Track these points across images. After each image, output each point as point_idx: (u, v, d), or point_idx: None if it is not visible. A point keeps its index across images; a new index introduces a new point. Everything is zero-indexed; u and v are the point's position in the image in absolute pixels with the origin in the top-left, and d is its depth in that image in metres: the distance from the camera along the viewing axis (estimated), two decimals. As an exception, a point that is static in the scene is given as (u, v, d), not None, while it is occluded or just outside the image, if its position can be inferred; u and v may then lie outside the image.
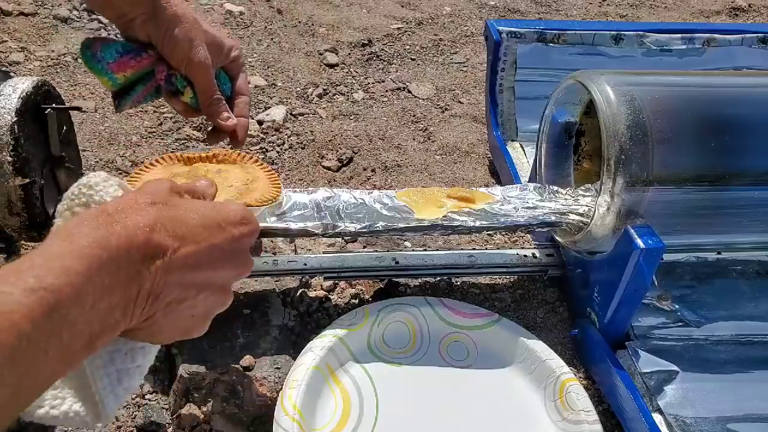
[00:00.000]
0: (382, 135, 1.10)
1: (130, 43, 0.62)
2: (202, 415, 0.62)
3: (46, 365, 0.32)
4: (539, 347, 0.68)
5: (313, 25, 1.45)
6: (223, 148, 0.72)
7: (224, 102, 0.66)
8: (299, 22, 1.45)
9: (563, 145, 0.80)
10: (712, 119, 0.68)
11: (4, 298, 0.30)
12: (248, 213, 0.46)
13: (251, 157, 0.67)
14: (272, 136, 1.07)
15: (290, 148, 1.05)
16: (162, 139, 1.02)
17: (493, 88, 0.99)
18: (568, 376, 0.65)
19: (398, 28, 1.46)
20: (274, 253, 0.79)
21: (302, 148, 1.05)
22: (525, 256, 0.78)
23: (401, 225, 0.66)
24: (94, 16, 1.33)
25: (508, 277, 0.80)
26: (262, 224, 0.65)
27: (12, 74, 0.62)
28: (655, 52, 1.01)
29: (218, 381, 0.63)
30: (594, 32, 0.99)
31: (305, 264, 0.73)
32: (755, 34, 1.03)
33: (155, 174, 0.63)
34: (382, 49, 1.37)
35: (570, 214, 0.69)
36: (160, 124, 1.06)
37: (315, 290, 0.75)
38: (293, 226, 0.65)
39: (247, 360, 0.64)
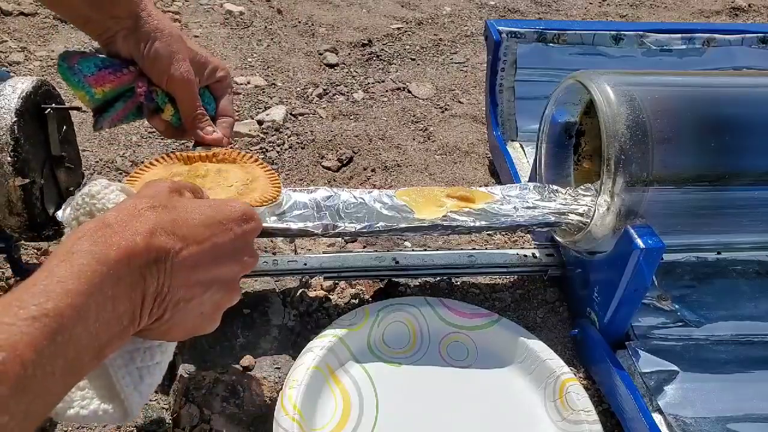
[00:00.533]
0: (382, 135, 1.10)
1: (112, 59, 0.61)
2: (203, 415, 0.61)
3: (54, 385, 0.33)
4: (539, 347, 0.68)
5: (313, 25, 1.45)
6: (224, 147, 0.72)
7: (208, 117, 0.65)
8: (299, 22, 1.45)
9: (563, 145, 0.80)
10: (712, 119, 0.68)
11: (6, 329, 0.30)
12: (250, 209, 0.47)
13: (251, 157, 0.67)
14: (272, 136, 1.07)
15: (290, 148, 1.05)
16: (162, 139, 1.02)
17: (493, 88, 0.99)
18: (568, 376, 0.65)
19: (398, 28, 1.46)
20: (274, 253, 0.79)
21: (302, 148, 1.05)
22: (525, 256, 0.79)
23: (401, 225, 0.66)
24: (94, 16, 1.33)
25: (508, 277, 0.80)
26: (262, 224, 0.65)
27: (12, 74, 0.62)
28: (655, 52, 1.01)
29: (218, 381, 0.63)
30: (594, 32, 0.99)
31: (305, 264, 0.73)
32: (755, 34, 1.03)
33: (155, 173, 0.63)
34: (382, 49, 1.37)
35: (570, 214, 0.69)
36: (160, 124, 1.05)
37: (315, 290, 0.75)
38: (293, 226, 0.65)
39: (247, 360, 0.64)
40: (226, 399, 0.62)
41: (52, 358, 0.32)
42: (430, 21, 1.52)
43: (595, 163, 0.79)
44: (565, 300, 0.78)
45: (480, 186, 0.83)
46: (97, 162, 0.95)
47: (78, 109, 0.66)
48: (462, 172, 1.04)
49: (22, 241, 0.71)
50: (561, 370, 0.66)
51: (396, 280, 0.77)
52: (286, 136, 1.07)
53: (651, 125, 0.64)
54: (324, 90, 1.21)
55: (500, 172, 0.99)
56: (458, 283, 0.79)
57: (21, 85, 0.58)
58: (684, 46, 1.02)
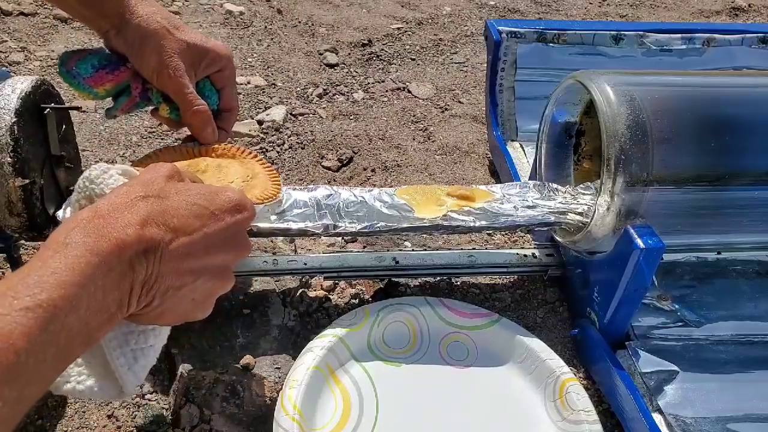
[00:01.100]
0: (382, 135, 1.10)
1: (110, 54, 0.60)
2: (202, 415, 0.61)
3: (46, 370, 0.34)
4: (539, 347, 0.68)
5: (313, 25, 1.45)
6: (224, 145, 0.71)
7: (207, 113, 0.63)
8: (299, 22, 1.45)
9: (563, 145, 0.80)
10: (712, 119, 0.68)
11: (0, 319, 0.32)
12: (243, 199, 0.47)
13: (250, 153, 0.67)
14: (272, 136, 1.07)
15: (290, 148, 1.05)
16: (162, 139, 1.02)
17: (493, 88, 0.99)
18: (568, 376, 0.65)
19: (398, 28, 1.46)
20: (274, 253, 0.79)
21: (302, 148, 1.05)
22: (525, 256, 0.78)
23: (401, 225, 0.66)
24: (94, 16, 1.33)
25: (508, 277, 0.80)
26: (262, 224, 0.65)
27: (11, 74, 0.62)
28: (655, 52, 1.01)
29: (218, 381, 0.63)
30: (594, 32, 0.99)
31: (305, 264, 0.73)
32: (755, 34, 1.03)
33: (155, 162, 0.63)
34: (382, 49, 1.37)
35: (570, 214, 0.69)
36: (160, 124, 1.05)
37: (315, 290, 0.75)
38: (293, 225, 0.65)
39: (247, 360, 0.64)
40: (226, 399, 0.62)
41: (44, 347, 0.33)
42: (430, 21, 1.52)
43: (595, 163, 0.79)
44: (565, 300, 0.78)
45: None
46: (97, 162, 0.95)
47: (77, 108, 0.66)
48: (462, 172, 1.04)
49: (22, 241, 0.71)
50: (561, 370, 0.66)
51: (396, 280, 0.77)
52: (286, 136, 1.07)
53: (651, 125, 0.64)
54: (324, 90, 1.21)
55: (500, 172, 0.99)
56: (458, 283, 0.79)
57: (20, 85, 0.58)
58: (684, 46, 1.02)
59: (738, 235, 0.74)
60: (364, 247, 0.85)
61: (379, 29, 1.45)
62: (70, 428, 0.60)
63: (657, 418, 0.62)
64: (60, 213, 0.63)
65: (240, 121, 1.09)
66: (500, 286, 0.79)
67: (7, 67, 1.13)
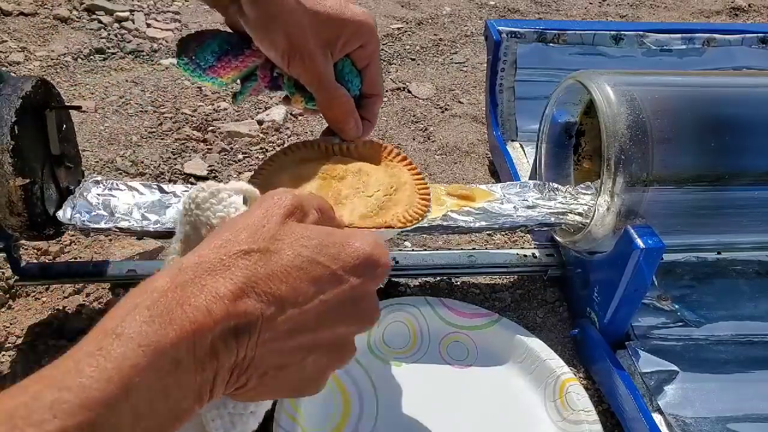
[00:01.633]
0: (382, 135, 1.10)
1: (232, 34, 0.52)
2: (202, 415, 0.61)
3: None
4: (539, 347, 0.68)
5: (313, 25, 1.45)
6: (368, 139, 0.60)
7: (349, 105, 0.53)
8: (299, 22, 1.45)
9: (563, 145, 0.80)
10: (712, 119, 0.68)
11: None
12: (377, 252, 0.36)
13: (398, 154, 0.57)
14: (272, 136, 1.07)
15: (290, 148, 1.05)
16: (162, 139, 1.02)
17: (493, 88, 0.99)
18: (568, 376, 0.65)
19: (398, 28, 1.46)
20: (274, 253, 0.79)
21: (302, 148, 1.05)
22: (525, 256, 0.78)
23: (401, 225, 0.66)
24: (94, 16, 1.33)
25: (508, 277, 0.80)
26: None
27: (11, 74, 0.62)
28: (655, 52, 1.01)
29: (218, 381, 0.63)
30: (594, 32, 0.99)
31: (305, 264, 0.73)
32: (755, 34, 1.03)
33: (287, 164, 0.55)
34: (382, 49, 1.37)
35: (570, 214, 0.69)
36: (160, 124, 1.05)
37: (315, 290, 0.75)
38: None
39: (247, 360, 0.64)
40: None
41: None
42: (430, 21, 1.52)
43: (595, 163, 0.79)
44: (565, 300, 0.78)
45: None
46: (97, 162, 0.95)
47: (78, 108, 0.66)
48: (462, 172, 1.04)
49: (22, 241, 0.71)
50: (561, 370, 0.66)
51: (396, 280, 0.77)
52: (286, 136, 1.07)
53: (651, 125, 0.64)
54: (324, 90, 1.21)
55: (500, 172, 0.99)
56: (458, 283, 0.79)
57: (21, 85, 0.58)
58: (684, 46, 1.02)
59: (738, 235, 0.74)
60: (364, 247, 0.85)
61: (378, 29, 1.45)
62: (70, 428, 0.60)
63: (657, 418, 0.62)
64: (60, 213, 0.63)
65: (240, 121, 1.09)
66: (500, 286, 0.79)
67: (7, 67, 1.13)
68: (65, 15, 1.30)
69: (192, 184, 0.87)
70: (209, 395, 0.31)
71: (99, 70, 1.18)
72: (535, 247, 0.81)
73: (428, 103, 1.21)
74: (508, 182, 0.75)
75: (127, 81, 1.15)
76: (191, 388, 0.30)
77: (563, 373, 0.65)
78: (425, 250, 0.83)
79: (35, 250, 0.77)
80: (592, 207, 0.68)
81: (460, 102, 1.23)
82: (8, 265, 0.70)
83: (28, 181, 0.57)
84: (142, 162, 0.96)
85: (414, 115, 1.17)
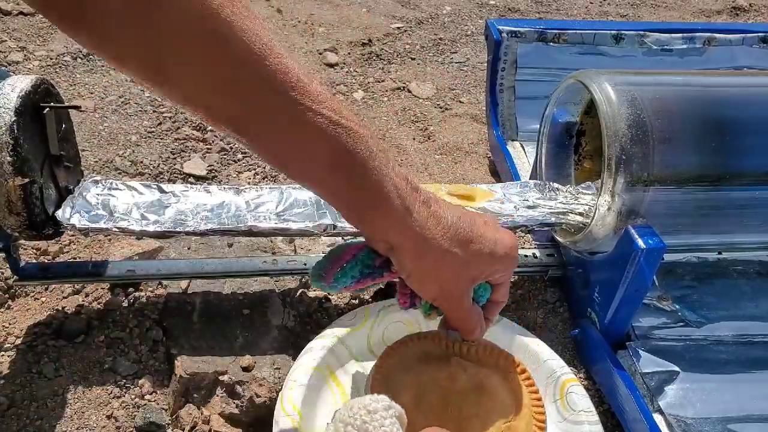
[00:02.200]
0: (382, 135, 1.10)
1: (370, 256, 0.50)
2: (202, 416, 0.61)
3: None
4: (539, 348, 0.68)
5: (312, 24, 1.45)
6: (488, 342, 0.61)
7: (480, 317, 0.54)
8: (299, 21, 1.45)
9: (564, 145, 0.80)
10: (712, 119, 0.68)
11: None
12: None
13: (518, 366, 0.58)
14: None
15: (290, 147, 1.05)
16: (161, 139, 1.02)
17: (494, 87, 0.99)
18: (569, 376, 0.65)
19: (398, 28, 1.46)
20: (274, 253, 0.79)
21: (302, 148, 1.05)
22: (525, 256, 0.78)
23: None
24: (93, 16, 1.33)
25: (508, 277, 0.80)
26: (262, 224, 0.65)
27: (11, 73, 0.61)
28: (655, 52, 1.01)
29: (218, 381, 0.63)
30: (594, 32, 0.99)
31: (305, 264, 0.73)
32: (756, 34, 1.03)
33: (406, 361, 0.58)
34: (382, 49, 1.37)
35: (570, 214, 0.69)
36: (159, 123, 1.05)
37: (315, 290, 0.75)
38: (293, 226, 0.65)
39: (247, 360, 0.64)
40: (226, 399, 0.62)
41: None
42: (430, 20, 1.52)
43: (595, 162, 0.79)
44: (565, 300, 0.78)
45: (480, 186, 0.83)
46: (96, 162, 0.94)
47: (77, 108, 0.66)
48: (462, 171, 1.03)
49: (22, 241, 0.71)
50: (562, 370, 0.66)
51: (396, 280, 0.77)
52: (286, 136, 1.07)
53: (652, 125, 0.64)
54: (324, 89, 1.21)
55: (501, 171, 0.99)
56: (458, 283, 0.79)
57: (20, 84, 0.58)
58: (685, 46, 1.02)
59: (739, 235, 0.74)
60: (364, 247, 0.85)
61: (379, 28, 1.45)
62: (70, 428, 0.60)
63: (658, 418, 0.62)
64: (60, 213, 0.63)
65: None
66: (500, 286, 0.79)
67: (6, 67, 1.12)
68: (65, 14, 1.30)
69: (191, 184, 0.86)
70: None
71: (98, 69, 1.18)
72: (535, 247, 0.81)
73: (428, 103, 1.21)
74: (508, 182, 0.75)
75: (126, 81, 1.15)
76: None
77: (564, 374, 0.65)
78: (425, 250, 0.83)
79: (34, 250, 0.77)
80: (592, 207, 0.67)
81: (460, 102, 1.23)
82: (7, 265, 0.69)
83: (27, 180, 0.57)
84: (142, 162, 0.96)
85: (414, 115, 1.17)
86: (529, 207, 0.70)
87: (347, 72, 1.28)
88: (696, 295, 0.75)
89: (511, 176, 0.91)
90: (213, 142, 1.03)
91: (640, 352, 0.68)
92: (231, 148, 1.02)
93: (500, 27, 0.96)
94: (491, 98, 0.99)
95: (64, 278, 0.70)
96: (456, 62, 1.36)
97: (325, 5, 1.54)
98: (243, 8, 0.36)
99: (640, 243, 0.62)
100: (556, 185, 0.73)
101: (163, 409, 0.63)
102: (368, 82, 1.25)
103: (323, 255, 0.52)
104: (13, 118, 0.56)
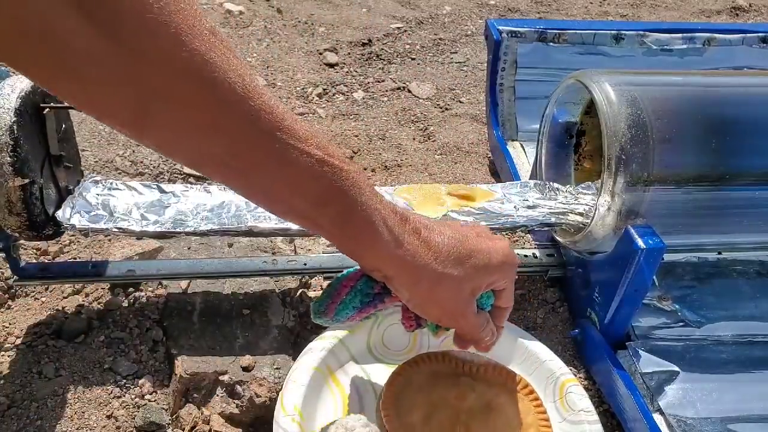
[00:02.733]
0: (382, 135, 1.10)
1: (369, 284, 0.51)
2: (202, 415, 0.61)
3: None
4: (539, 348, 0.68)
5: (312, 24, 1.45)
6: (495, 362, 0.63)
7: (486, 324, 0.53)
8: (299, 21, 1.45)
9: (564, 145, 0.80)
10: (713, 119, 0.68)
11: None
12: None
13: (526, 386, 0.61)
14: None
15: (290, 147, 1.05)
16: (162, 138, 1.02)
17: (494, 87, 0.99)
18: (568, 376, 0.65)
19: (398, 28, 1.46)
20: (274, 253, 0.79)
21: (302, 148, 1.05)
22: (525, 256, 0.78)
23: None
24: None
25: (508, 277, 0.80)
26: (262, 224, 0.65)
27: (11, 73, 0.61)
28: (655, 52, 1.01)
29: (218, 381, 0.63)
30: (594, 32, 0.99)
31: (305, 264, 0.73)
32: (756, 34, 1.03)
33: (416, 380, 0.60)
34: (382, 49, 1.37)
35: (570, 214, 0.69)
36: (160, 123, 1.05)
37: (315, 290, 0.75)
38: (293, 226, 0.65)
39: (247, 360, 0.64)
40: (226, 399, 0.62)
41: None
42: (430, 20, 1.52)
43: (595, 162, 0.79)
44: (565, 300, 0.78)
45: (480, 186, 0.83)
46: (96, 162, 0.94)
47: (77, 108, 0.66)
48: (462, 171, 1.03)
49: (22, 241, 0.71)
50: (561, 371, 0.66)
51: (396, 280, 0.77)
52: (286, 136, 1.07)
53: (652, 125, 0.64)
54: (324, 90, 1.21)
55: (501, 171, 0.99)
56: (458, 283, 0.79)
57: (20, 84, 0.58)
58: (685, 46, 1.02)
59: (739, 235, 0.74)
60: (364, 247, 0.85)
61: (379, 29, 1.45)
62: (70, 428, 0.60)
63: (658, 418, 0.62)
64: (60, 213, 0.63)
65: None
66: (500, 286, 0.79)
67: (6, 67, 1.12)
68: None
69: (191, 184, 0.86)
70: None
71: (98, 69, 1.18)
72: (535, 247, 0.81)
73: (428, 103, 1.21)
74: (508, 182, 0.75)
75: (126, 80, 1.15)
76: None
77: (563, 374, 0.65)
78: (425, 250, 0.83)
79: (34, 250, 0.77)
80: (592, 207, 0.67)
81: (460, 102, 1.23)
82: (7, 265, 0.69)
83: (27, 181, 0.57)
84: (142, 162, 0.96)
85: (414, 115, 1.17)
86: (529, 207, 0.70)
87: (347, 72, 1.28)
88: (696, 295, 0.75)
89: (511, 176, 0.91)
90: (213, 142, 1.03)
91: (640, 352, 0.68)
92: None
93: (500, 27, 0.96)
94: (491, 98, 0.99)
95: (64, 278, 0.70)
96: (456, 62, 1.36)
97: (325, 5, 1.54)
98: (226, 50, 0.36)
99: (640, 243, 0.62)
100: (556, 185, 0.73)
101: (163, 409, 0.63)
102: (368, 82, 1.25)
103: (322, 290, 0.52)
104: (13, 119, 0.56)
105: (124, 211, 0.64)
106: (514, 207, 0.69)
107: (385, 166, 1.03)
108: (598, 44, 1.00)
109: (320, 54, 1.33)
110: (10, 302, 0.71)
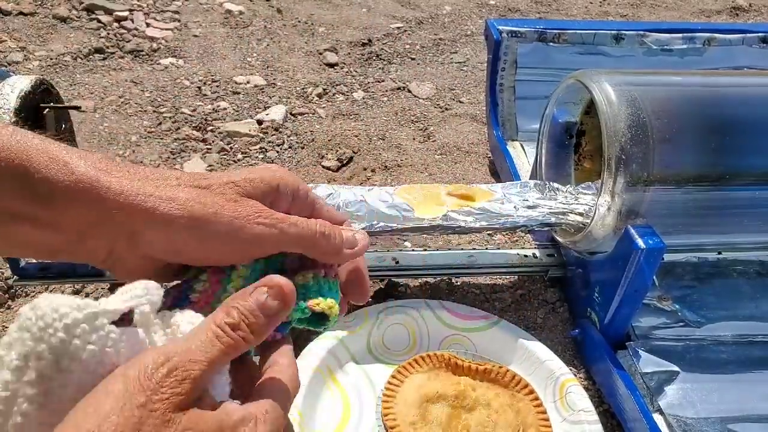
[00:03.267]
0: (382, 135, 1.10)
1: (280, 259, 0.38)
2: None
3: None
4: (539, 349, 0.68)
5: (312, 24, 1.45)
6: (495, 362, 0.65)
7: (329, 230, 0.38)
8: (299, 21, 1.45)
9: (564, 145, 0.80)
10: (712, 119, 0.68)
11: None
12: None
13: (526, 386, 0.62)
14: (272, 135, 1.07)
15: (290, 147, 1.05)
16: (161, 138, 1.02)
17: (494, 87, 0.99)
18: (568, 376, 0.65)
19: (398, 28, 1.46)
20: (274, 253, 0.79)
21: (302, 148, 1.05)
22: (525, 256, 0.78)
23: (401, 225, 0.66)
24: (93, 16, 1.33)
25: (508, 277, 0.80)
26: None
27: (11, 73, 0.61)
28: (655, 52, 1.01)
29: (218, 381, 0.62)
30: (594, 32, 0.99)
31: (305, 264, 0.73)
32: (756, 34, 1.03)
33: (418, 380, 0.61)
34: (382, 49, 1.37)
35: (570, 214, 0.69)
36: (159, 123, 1.05)
37: (315, 290, 0.75)
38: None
39: (246, 360, 0.64)
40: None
41: None
42: (430, 20, 1.52)
43: (595, 162, 0.78)
44: (565, 300, 0.78)
45: (480, 186, 0.83)
46: (97, 162, 0.94)
47: (77, 108, 0.66)
48: (462, 172, 1.03)
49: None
50: (561, 371, 0.66)
51: (396, 280, 0.77)
52: (285, 136, 1.07)
53: (652, 125, 0.64)
54: (324, 89, 1.21)
55: (501, 171, 0.99)
56: (458, 283, 0.79)
57: (20, 84, 0.58)
58: (685, 46, 1.02)
59: (739, 235, 0.74)
60: (364, 247, 0.85)
61: (379, 29, 1.45)
62: (69, 429, 0.60)
63: (658, 418, 0.62)
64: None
65: (239, 120, 1.09)
66: (500, 287, 0.79)
67: (6, 67, 1.12)
68: (64, 14, 1.30)
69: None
70: None
71: (98, 69, 1.18)
72: (535, 247, 0.81)
73: (428, 103, 1.21)
74: (508, 182, 0.75)
75: (126, 81, 1.15)
76: None
77: (563, 374, 0.65)
78: (425, 250, 0.83)
79: (34, 250, 0.77)
80: (592, 207, 0.67)
81: (460, 102, 1.23)
82: (7, 265, 0.69)
83: (26, 181, 0.57)
84: (142, 162, 0.96)
85: (414, 115, 1.17)
86: (529, 207, 0.70)
87: (347, 72, 1.28)
88: (696, 295, 0.75)
89: (511, 176, 0.91)
90: (213, 142, 1.03)
91: (640, 352, 0.67)
92: (231, 147, 1.02)
93: (500, 27, 0.96)
94: (491, 98, 0.99)
95: (64, 278, 0.70)
96: (456, 62, 1.36)
97: (325, 5, 1.54)
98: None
99: (640, 243, 0.62)
100: (556, 185, 0.73)
101: (163, 409, 0.63)
102: (368, 82, 1.25)
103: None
104: (13, 119, 0.55)
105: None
106: (514, 207, 0.69)
107: (385, 166, 1.02)
108: (598, 44, 0.99)
109: (320, 54, 1.33)
110: (10, 302, 0.71)
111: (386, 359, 0.67)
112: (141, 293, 0.30)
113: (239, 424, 0.28)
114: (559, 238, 0.75)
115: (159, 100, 1.11)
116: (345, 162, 1.03)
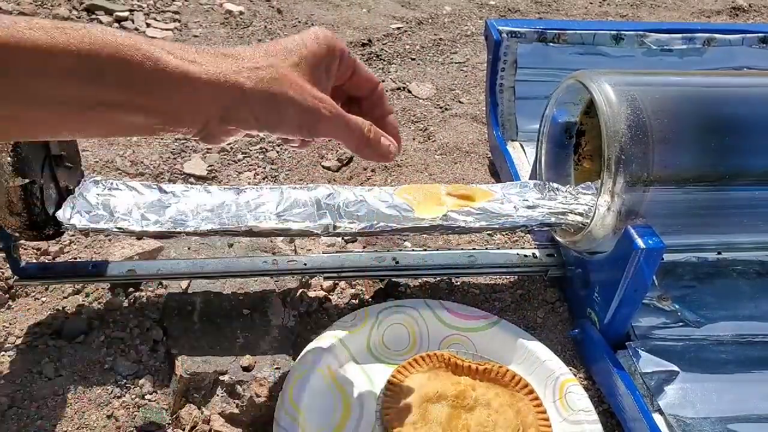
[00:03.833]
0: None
1: None
2: (202, 415, 0.61)
3: None
4: (538, 348, 0.68)
5: (312, 24, 1.45)
6: (495, 362, 0.65)
7: (372, 128, 0.49)
8: (299, 21, 1.45)
9: (563, 145, 0.80)
10: (712, 119, 0.68)
11: None
12: None
13: (526, 385, 0.62)
14: (272, 135, 1.07)
15: (290, 147, 1.05)
16: (162, 139, 1.02)
17: (494, 87, 0.99)
18: (568, 376, 0.65)
19: (398, 28, 1.46)
20: (274, 253, 0.79)
21: (302, 148, 1.05)
22: (525, 256, 0.78)
23: (401, 225, 0.66)
24: (93, 16, 1.33)
25: (508, 277, 0.80)
26: (263, 224, 0.65)
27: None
28: (655, 52, 1.01)
29: (218, 381, 0.63)
30: (594, 32, 0.99)
31: (305, 264, 0.73)
32: (756, 34, 1.03)
33: (417, 380, 0.61)
34: (382, 49, 1.37)
35: (570, 214, 0.69)
36: (160, 123, 1.05)
37: (315, 290, 0.75)
38: (293, 226, 0.65)
39: (247, 360, 0.64)
40: (226, 399, 0.62)
41: None
42: (430, 21, 1.52)
43: (595, 163, 0.79)
44: (565, 300, 0.78)
45: (480, 186, 0.83)
46: (97, 162, 0.95)
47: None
48: (462, 172, 1.03)
49: (22, 241, 0.71)
50: (561, 370, 0.66)
51: (396, 280, 0.77)
52: (286, 136, 1.07)
53: (651, 125, 0.64)
54: (324, 90, 1.21)
55: (500, 172, 0.99)
56: (458, 283, 0.79)
57: (20, 85, 0.58)
58: (684, 46, 1.02)
59: (739, 235, 0.74)
60: (364, 247, 0.85)
61: (379, 29, 1.45)
62: (70, 428, 0.60)
63: (657, 418, 0.62)
64: (60, 213, 0.63)
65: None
66: (500, 287, 0.79)
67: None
68: (65, 15, 1.30)
69: (191, 184, 0.87)
70: None
71: (99, 69, 1.18)
72: (535, 247, 0.81)
73: (428, 103, 1.21)
74: (508, 182, 0.75)
75: (126, 81, 1.15)
76: None
77: (563, 374, 0.65)
78: (425, 250, 0.83)
79: (35, 250, 0.77)
80: (592, 207, 0.67)
81: (460, 102, 1.23)
82: (8, 265, 0.69)
83: (27, 180, 0.57)
84: (142, 162, 0.96)
85: (414, 115, 1.17)
86: (528, 207, 0.70)
87: (347, 72, 1.28)
88: (696, 295, 0.75)
89: (511, 176, 0.91)
90: (213, 142, 1.03)
91: (640, 352, 0.68)
92: (231, 148, 1.02)
93: (500, 27, 0.96)
94: (491, 98, 0.99)
95: (64, 278, 0.71)
96: (456, 62, 1.37)
97: (325, 5, 1.54)
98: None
99: (640, 243, 0.62)
100: (555, 185, 0.73)
101: (164, 409, 0.63)
102: (368, 83, 1.25)
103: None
104: (14, 119, 0.56)
105: (125, 211, 0.64)
106: (514, 207, 0.70)
107: (385, 166, 1.03)
108: (598, 44, 1.00)
109: (320, 54, 1.33)
110: (10, 302, 0.71)
111: (386, 359, 0.67)
112: None
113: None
114: (558, 238, 0.75)
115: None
116: (345, 162, 1.03)
